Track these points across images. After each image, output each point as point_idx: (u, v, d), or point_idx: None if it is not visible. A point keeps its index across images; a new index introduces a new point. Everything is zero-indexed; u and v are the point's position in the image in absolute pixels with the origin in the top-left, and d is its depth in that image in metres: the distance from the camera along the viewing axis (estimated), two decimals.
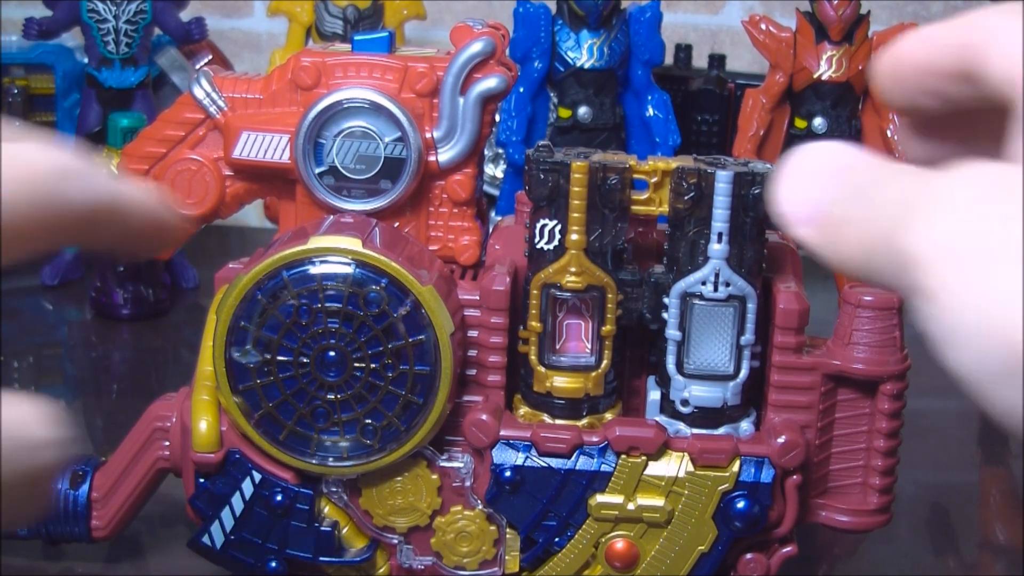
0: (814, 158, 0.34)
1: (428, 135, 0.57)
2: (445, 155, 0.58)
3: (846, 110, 1.05)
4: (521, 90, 1.04)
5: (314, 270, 0.55)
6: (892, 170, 0.32)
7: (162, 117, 0.59)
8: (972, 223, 0.28)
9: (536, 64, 1.04)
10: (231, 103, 0.58)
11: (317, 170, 0.57)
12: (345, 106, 0.56)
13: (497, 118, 1.11)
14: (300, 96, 0.57)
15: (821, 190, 0.33)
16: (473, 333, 0.58)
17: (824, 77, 1.04)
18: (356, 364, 0.56)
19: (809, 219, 0.33)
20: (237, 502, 0.59)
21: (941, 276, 0.28)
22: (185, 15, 1.19)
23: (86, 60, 1.16)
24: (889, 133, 1.05)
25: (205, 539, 0.59)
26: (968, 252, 0.28)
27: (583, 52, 1.04)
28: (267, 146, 0.57)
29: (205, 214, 0.60)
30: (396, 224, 0.58)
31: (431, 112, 0.57)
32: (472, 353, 0.58)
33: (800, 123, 1.06)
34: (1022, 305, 0.27)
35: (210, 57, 1.24)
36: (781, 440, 0.57)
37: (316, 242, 0.55)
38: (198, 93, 0.58)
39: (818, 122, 1.06)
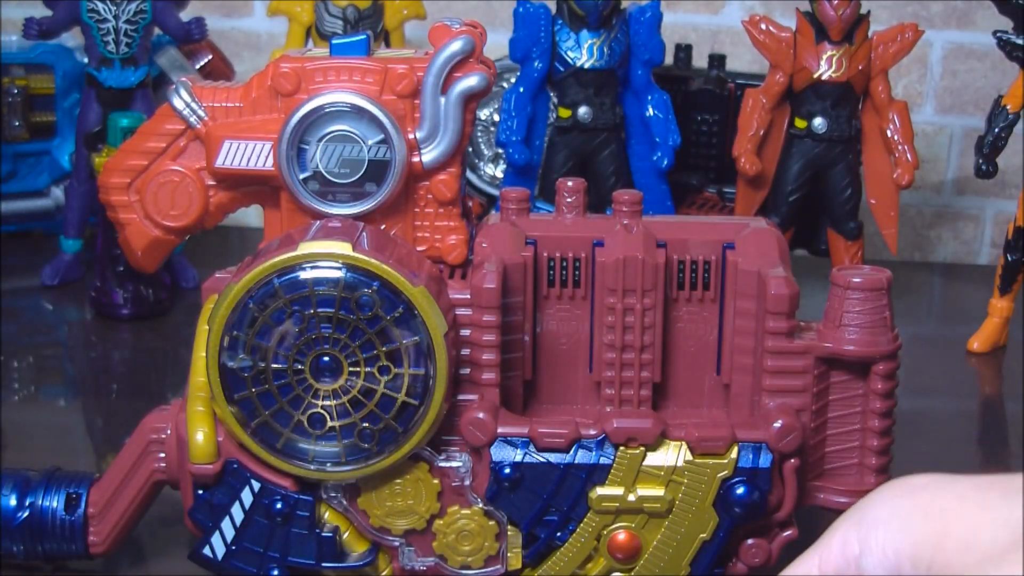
0: None
1: (411, 136, 0.57)
2: (429, 155, 0.58)
3: (846, 110, 1.05)
4: (521, 90, 1.04)
5: (305, 276, 0.55)
6: None
7: (142, 130, 0.60)
8: None
9: (536, 64, 1.04)
10: (211, 112, 0.58)
11: (301, 175, 0.57)
12: (327, 110, 0.57)
13: (496, 118, 1.12)
14: (281, 102, 0.57)
15: None
16: (465, 332, 0.58)
17: (824, 77, 1.04)
18: (351, 368, 0.56)
19: None
20: (237, 512, 0.59)
21: None
22: (185, 15, 1.19)
23: (86, 60, 1.17)
24: (889, 133, 1.05)
25: (206, 551, 0.60)
26: None
27: (583, 52, 1.04)
28: (250, 154, 0.58)
29: (189, 225, 0.60)
30: (383, 226, 0.59)
31: (413, 113, 0.57)
32: (465, 352, 0.58)
33: (800, 123, 1.06)
34: None
35: (210, 57, 1.24)
36: (778, 425, 0.57)
37: (305, 248, 0.55)
38: (178, 104, 0.58)
39: (818, 122, 1.05)
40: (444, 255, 0.59)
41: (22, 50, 1.22)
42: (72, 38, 1.22)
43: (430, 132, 0.58)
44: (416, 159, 0.58)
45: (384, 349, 0.55)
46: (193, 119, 0.58)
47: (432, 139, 0.58)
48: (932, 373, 1.03)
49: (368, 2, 1.21)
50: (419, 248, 0.59)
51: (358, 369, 0.56)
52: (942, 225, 1.39)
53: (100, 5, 1.13)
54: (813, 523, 0.70)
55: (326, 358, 0.56)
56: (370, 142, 0.57)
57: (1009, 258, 1.08)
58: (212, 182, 0.59)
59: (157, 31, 1.18)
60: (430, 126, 0.58)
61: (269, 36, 1.44)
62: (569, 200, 0.61)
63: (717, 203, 1.16)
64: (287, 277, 0.55)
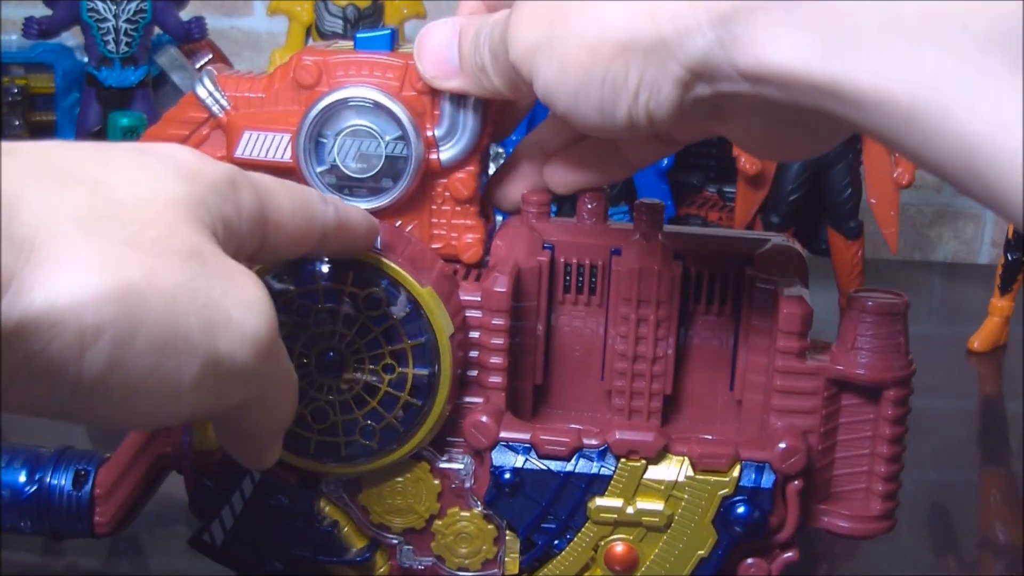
0: (434, 36, 0.54)
1: (430, 133, 0.57)
2: (447, 153, 0.57)
3: None
4: None
5: (314, 270, 0.54)
6: (484, 20, 0.52)
7: (166, 117, 0.59)
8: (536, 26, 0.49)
9: None
10: (234, 102, 0.57)
11: (318, 169, 0.57)
12: (347, 105, 0.56)
13: None
14: (302, 95, 0.57)
15: (453, 51, 0.53)
16: (474, 334, 0.58)
17: None
18: (355, 365, 0.55)
19: (456, 72, 0.54)
20: (237, 501, 0.59)
21: (534, 61, 0.48)
22: (185, 14, 1.19)
23: (86, 59, 1.16)
24: None
25: (206, 537, 0.60)
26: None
27: None
28: (269, 145, 0.57)
29: None
30: (398, 223, 0.58)
31: (432, 110, 0.57)
32: (473, 354, 0.58)
33: None
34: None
35: (210, 56, 1.24)
36: (782, 445, 0.57)
37: None
38: (201, 92, 0.58)
39: None
40: (460, 253, 0.59)
41: (22, 49, 1.21)
42: (72, 37, 1.21)
43: (449, 130, 0.57)
44: (434, 156, 0.57)
45: (389, 348, 0.55)
46: (216, 108, 0.58)
47: (451, 137, 0.57)
48: (932, 373, 1.02)
49: (368, 1, 1.20)
50: (435, 246, 0.59)
51: (362, 366, 0.55)
52: (942, 224, 1.39)
53: (100, 4, 1.12)
54: (816, 546, 0.71)
55: (331, 353, 0.55)
56: (388, 138, 0.56)
57: (1009, 257, 1.08)
58: None
59: (157, 30, 1.17)
60: (449, 124, 0.57)
61: (269, 35, 1.44)
62: (590, 207, 0.60)
63: (717, 203, 1.16)
64: (298, 269, 0.54)
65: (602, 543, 0.58)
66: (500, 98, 0.54)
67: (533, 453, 0.57)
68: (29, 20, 1.16)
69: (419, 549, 0.60)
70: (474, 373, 0.58)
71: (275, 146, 0.57)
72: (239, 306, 0.41)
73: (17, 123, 1.21)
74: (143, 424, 0.45)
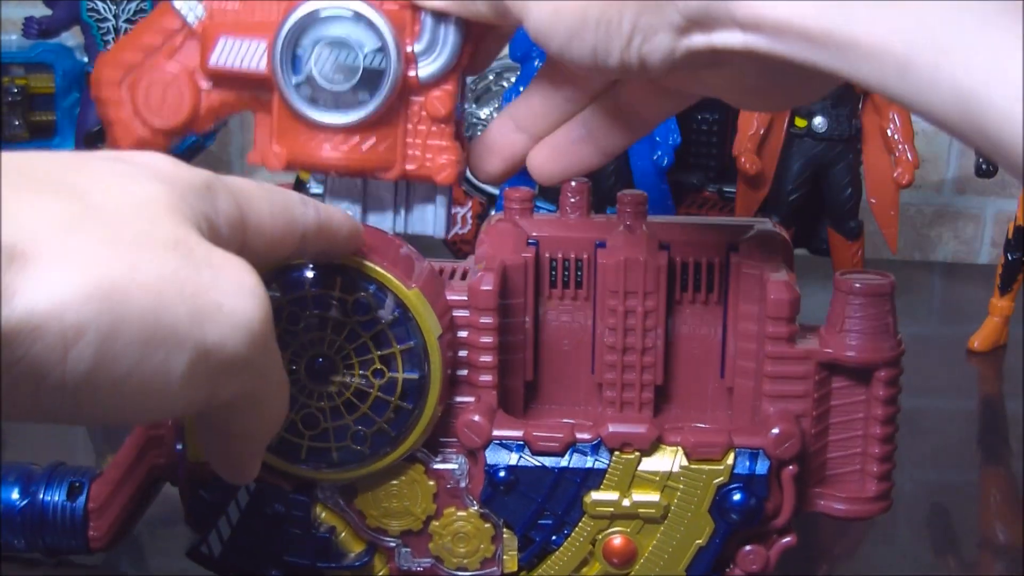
0: None
1: (409, 49, 0.56)
2: (426, 69, 0.56)
3: (846, 109, 1.05)
4: (521, 89, 1.04)
5: (302, 276, 0.54)
6: None
7: (140, 25, 0.58)
8: None
9: (536, 63, 1.03)
10: (210, 11, 0.57)
11: (294, 80, 0.56)
12: (325, 14, 0.55)
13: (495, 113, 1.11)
14: (280, 3, 0.56)
15: None
16: (463, 333, 0.58)
17: None
18: (345, 370, 0.55)
19: None
20: (233, 511, 0.59)
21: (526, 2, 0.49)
22: None
23: (86, 59, 1.17)
24: (889, 132, 1.05)
25: (203, 548, 0.59)
26: None
27: None
28: (245, 53, 0.56)
29: (177, 126, 0.58)
30: (373, 139, 0.57)
31: (413, 25, 0.56)
32: (462, 354, 0.58)
33: (800, 122, 1.06)
34: None
35: None
36: (776, 431, 0.57)
37: None
38: (176, 1, 0.57)
39: (818, 121, 1.05)
40: (434, 174, 0.58)
41: (22, 49, 1.22)
42: (72, 37, 1.22)
43: (429, 45, 0.56)
44: (412, 73, 0.56)
45: (378, 352, 0.55)
46: (191, 17, 0.57)
47: (431, 52, 0.56)
48: (932, 373, 1.03)
49: None
50: (409, 166, 0.58)
51: (352, 371, 0.55)
52: (942, 224, 1.39)
53: (100, 4, 1.13)
54: (813, 530, 0.70)
55: (320, 359, 0.55)
56: (367, 49, 0.55)
57: (1009, 257, 1.08)
58: (205, 83, 0.58)
59: None
60: (430, 39, 0.56)
61: None
62: (572, 200, 0.60)
63: (717, 203, 1.16)
64: (285, 277, 0.54)
65: (600, 537, 0.58)
66: (486, 21, 0.54)
67: (527, 450, 0.57)
68: (29, 20, 1.17)
69: (417, 551, 0.60)
70: (464, 372, 0.58)
71: (250, 54, 0.56)
72: (229, 294, 0.40)
73: (17, 123, 1.22)
74: (135, 420, 0.44)
